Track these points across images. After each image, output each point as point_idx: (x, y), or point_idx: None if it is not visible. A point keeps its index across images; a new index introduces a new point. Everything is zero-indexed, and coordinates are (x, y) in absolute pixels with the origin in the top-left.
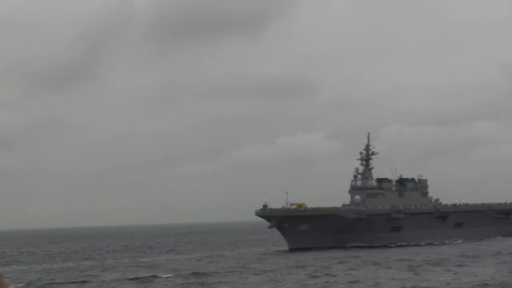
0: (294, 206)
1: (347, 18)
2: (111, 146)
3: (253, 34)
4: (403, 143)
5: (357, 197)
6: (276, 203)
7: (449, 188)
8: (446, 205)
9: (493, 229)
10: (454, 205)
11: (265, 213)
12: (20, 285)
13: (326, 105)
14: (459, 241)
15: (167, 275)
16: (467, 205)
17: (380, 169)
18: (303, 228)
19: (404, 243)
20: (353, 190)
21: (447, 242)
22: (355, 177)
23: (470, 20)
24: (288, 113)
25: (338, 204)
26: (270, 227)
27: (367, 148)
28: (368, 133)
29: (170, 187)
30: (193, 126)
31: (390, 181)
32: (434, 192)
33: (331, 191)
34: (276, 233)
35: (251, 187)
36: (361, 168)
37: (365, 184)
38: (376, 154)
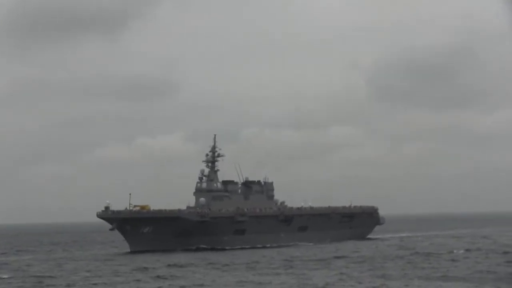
0: (137, 208)
1: (209, 21)
2: None
3: (112, 33)
4: (259, 145)
5: (202, 199)
6: (122, 204)
7: (301, 191)
8: (291, 208)
9: (337, 233)
10: (299, 208)
11: (107, 215)
12: None
13: (186, 106)
14: (310, 244)
15: (8, 276)
16: (312, 208)
17: (227, 172)
18: (145, 231)
19: (249, 246)
20: (198, 192)
21: (299, 244)
22: (201, 179)
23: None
24: (147, 114)
25: (185, 206)
26: (111, 229)
27: (213, 150)
28: (215, 135)
29: (22, 187)
30: (48, 125)
31: (236, 183)
32: (283, 195)
33: (183, 193)
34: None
35: (104, 188)
36: (206, 170)
37: (210, 186)
38: (222, 156)
